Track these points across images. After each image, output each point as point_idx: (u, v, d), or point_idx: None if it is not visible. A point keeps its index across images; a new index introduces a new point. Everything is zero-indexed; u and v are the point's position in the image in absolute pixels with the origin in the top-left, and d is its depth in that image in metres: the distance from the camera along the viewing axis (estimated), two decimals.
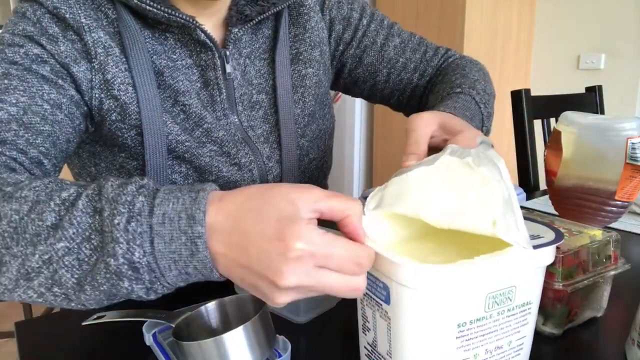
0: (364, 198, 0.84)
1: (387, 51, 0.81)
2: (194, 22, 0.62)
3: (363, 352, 0.46)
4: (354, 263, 0.37)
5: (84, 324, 0.54)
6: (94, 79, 0.61)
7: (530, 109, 1.32)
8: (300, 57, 0.74)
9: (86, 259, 0.39)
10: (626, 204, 0.77)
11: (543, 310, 0.54)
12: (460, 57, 0.84)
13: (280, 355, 0.47)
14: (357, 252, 0.37)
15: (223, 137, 0.67)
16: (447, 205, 0.40)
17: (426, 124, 0.53)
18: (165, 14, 0.60)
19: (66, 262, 0.40)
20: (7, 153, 0.52)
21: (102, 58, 0.61)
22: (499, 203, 0.39)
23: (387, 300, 0.39)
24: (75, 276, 0.40)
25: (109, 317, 0.54)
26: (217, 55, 0.65)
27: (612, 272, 0.55)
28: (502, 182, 0.41)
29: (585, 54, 2.44)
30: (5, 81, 0.55)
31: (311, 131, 0.76)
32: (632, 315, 0.51)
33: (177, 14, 0.60)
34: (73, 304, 0.43)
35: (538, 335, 0.54)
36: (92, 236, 0.39)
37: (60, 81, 0.59)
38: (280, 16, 0.72)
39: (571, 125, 0.80)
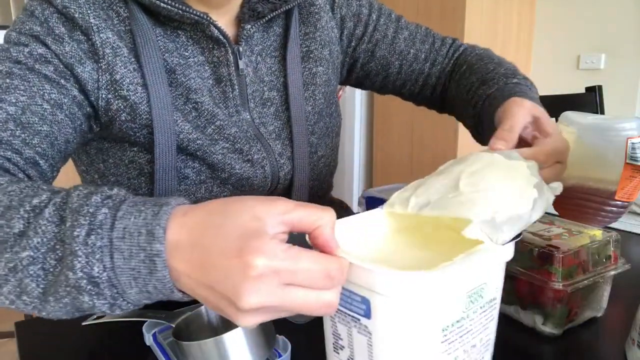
0: (364, 198, 0.84)
1: (397, 43, 0.83)
2: (208, 18, 0.62)
3: None
4: (324, 276, 0.34)
5: (84, 324, 0.54)
6: (100, 79, 0.61)
7: None
8: (311, 55, 0.75)
9: (51, 269, 0.38)
10: (626, 204, 0.77)
11: (543, 310, 0.54)
12: (469, 46, 0.87)
13: (280, 355, 0.47)
14: (327, 265, 0.34)
15: (235, 134, 0.67)
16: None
17: (526, 113, 0.55)
18: (180, 11, 0.60)
19: (31, 272, 0.38)
20: (2, 153, 0.52)
21: (110, 58, 0.61)
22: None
23: (368, 315, 0.37)
24: (41, 286, 0.38)
25: (109, 317, 0.54)
26: (230, 51, 0.66)
27: (612, 272, 0.55)
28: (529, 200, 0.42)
29: (585, 54, 2.44)
30: (7, 80, 0.55)
31: (320, 129, 0.77)
32: (632, 315, 0.51)
33: (191, 11, 0.61)
34: (44, 314, 0.41)
35: (538, 335, 0.55)
36: (57, 246, 0.38)
37: (62, 81, 0.58)
38: (290, 15, 0.73)
39: (571, 125, 0.80)
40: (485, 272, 0.40)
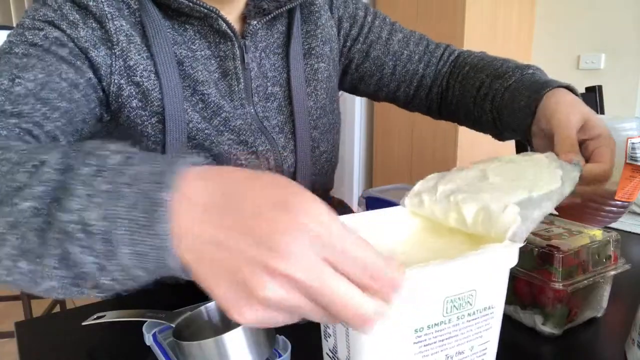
0: (364, 198, 0.84)
1: (391, 44, 0.84)
2: (217, 11, 0.64)
3: (326, 358, 0.45)
4: (373, 275, 0.28)
5: (84, 323, 0.54)
6: (114, 65, 0.62)
7: None
8: (313, 52, 0.78)
9: (49, 239, 0.33)
10: (626, 204, 0.77)
11: (543, 310, 0.54)
12: (465, 50, 0.88)
13: (280, 355, 0.47)
14: (389, 262, 0.29)
15: (240, 126, 0.69)
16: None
17: (578, 118, 0.57)
18: (190, 3, 0.62)
19: (34, 225, 0.33)
20: (24, 125, 0.52)
21: (124, 45, 0.62)
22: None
23: None
24: (43, 245, 0.34)
25: (109, 317, 0.54)
26: (236, 45, 0.68)
27: (612, 272, 0.55)
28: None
29: (585, 54, 2.44)
30: (25, 59, 0.56)
31: (322, 124, 0.79)
32: (632, 315, 0.51)
33: (200, 4, 0.63)
34: (39, 289, 0.36)
35: (538, 335, 0.55)
36: (60, 195, 0.33)
37: (78, 62, 0.60)
38: (293, 14, 0.76)
39: None
40: (473, 279, 0.39)
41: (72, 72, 0.59)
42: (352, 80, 0.88)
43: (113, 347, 0.54)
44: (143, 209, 0.31)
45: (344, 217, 0.47)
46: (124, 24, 0.62)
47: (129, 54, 0.62)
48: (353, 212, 0.81)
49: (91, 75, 0.61)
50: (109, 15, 0.61)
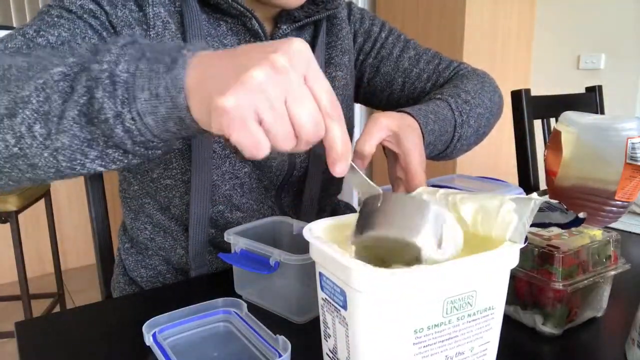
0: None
1: (402, 62, 0.87)
2: (251, 12, 0.69)
3: (325, 359, 0.45)
4: (330, 100, 0.38)
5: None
6: None
7: (530, 109, 1.32)
8: (332, 62, 0.82)
9: (78, 88, 0.41)
10: (626, 204, 0.77)
11: (543, 310, 0.54)
12: (469, 71, 0.87)
13: (280, 355, 0.47)
14: (335, 99, 0.38)
15: None
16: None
17: (379, 129, 0.57)
18: (229, 0, 0.67)
19: (60, 87, 0.41)
20: None
21: (159, 30, 0.66)
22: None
23: (345, 306, 0.38)
24: (65, 103, 0.41)
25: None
26: None
27: (612, 272, 0.55)
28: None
29: (585, 54, 2.44)
30: (55, 19, 0.61)
31: None
32: (632, 315, 0.51)
33: (238, 2, 0.68)
34: (46, 154, 0.43)
35: (538, 335, 0.55)
36: (90, 66, 0.41)
37: (105, 33, 0.63)
38: (319, 25, 0.81)
39: (571, 125, 0.80)
40: (473, 280, 0.39)
41: (96, 38, 0.62)
42: (364, 93, 0.92)
43: (113, 347, 0.54)
44: (164, 63, 0.39)
45: (344, 218, 0.47)
46: (162, 11, 0.66)
47: (163, 39, 0.66)
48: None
49: None
50: (150, 1, 0.66)
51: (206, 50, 0.41)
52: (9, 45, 0.57)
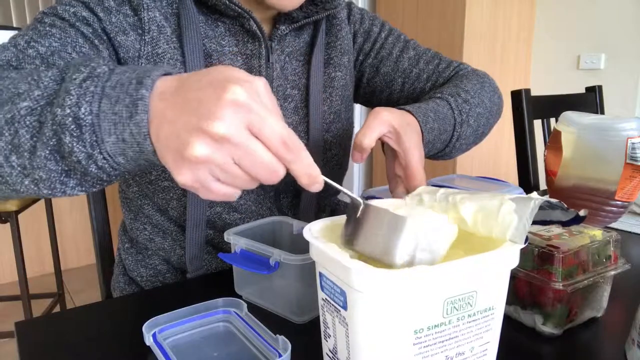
0: (364, 198, 0.84)
1: (401, 62, 0.87)
2: (250, 13, 0.68)
3: (325, 359, 0.45)
4: (283, 143, 0.36)
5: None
6: (142, 49, 0.66)
7: (530, 109, 1.32)
8: (331, 62, 0.82)
9: (45, 131, 0.41)
10: (626, 204, 0.77)
11: (543, 310, 0.54)
12: (469, 71, 0.87)
13: (280, 355, 0.47)
14: (290, 133, 0.37)
15: None
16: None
17: (380, 123, 0.57)
18: (227, 2, 0.67)
19: (27, 122, 0.41)
20: None
21: (154, 34, 0.66)
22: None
23: (345, 306, 0.38)
24: (34, 138, 0.41)
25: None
26: (263, 45, 0.72)
27: (612, 272, 0.55)
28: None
29: (585, 54, 2.44)
30: (47, 28, 0.60)
31: (335, 128, 0.82)
32: (632, 315, 0.51)
33: (236, 3, 0.67)
34: (27, 181, 0.44)
35: (538, 335, 0.55)
36: (55, 100, 0.41)
37: (96, 41, 0.63)
38: (318, 25, 0.81)
39: (571, 125, 0.80)
40: (473, 280, 0.39)
41: (87, 47, 0.62)
42: (364, 93, 0.92)
43: (113, 347, 0.54)
44: (125, 105, 0.38)
45: (344, 218, 0.47)
46: (158, 15, 0.66)
47: (158, 43, 0.66)
48: None
49: (106, 55, 0.64)
50: (145, 6, 0.66)
51: (164, 79, 0.39)
52: (0, 57, 0.57)
